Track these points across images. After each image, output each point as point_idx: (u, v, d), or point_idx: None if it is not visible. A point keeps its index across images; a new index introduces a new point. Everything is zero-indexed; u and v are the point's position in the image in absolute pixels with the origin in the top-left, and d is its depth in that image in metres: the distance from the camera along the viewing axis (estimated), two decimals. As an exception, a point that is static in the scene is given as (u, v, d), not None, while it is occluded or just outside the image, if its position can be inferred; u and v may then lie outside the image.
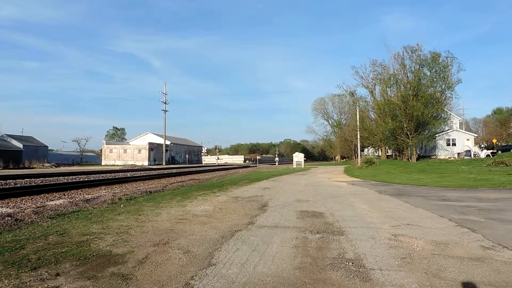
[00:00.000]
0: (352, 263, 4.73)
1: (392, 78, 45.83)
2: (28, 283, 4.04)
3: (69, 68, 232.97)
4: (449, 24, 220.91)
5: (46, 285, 3.99)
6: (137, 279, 4.20)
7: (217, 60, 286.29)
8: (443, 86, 42.60)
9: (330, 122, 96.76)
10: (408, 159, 44.94)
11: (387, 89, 47.34)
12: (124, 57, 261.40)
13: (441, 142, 48.68)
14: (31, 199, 11.70)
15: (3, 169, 45.19)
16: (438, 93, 42.97)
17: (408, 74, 44.48)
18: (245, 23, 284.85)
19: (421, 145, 50.55)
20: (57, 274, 4.36)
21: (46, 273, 4.37)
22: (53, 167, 55.91)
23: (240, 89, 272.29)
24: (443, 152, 47.75)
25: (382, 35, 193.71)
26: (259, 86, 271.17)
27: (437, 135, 48.27)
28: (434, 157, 48.17)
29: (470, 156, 42.78)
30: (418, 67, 43.63)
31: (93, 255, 5.17)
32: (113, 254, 5.24)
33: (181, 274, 4.37)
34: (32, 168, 51.86)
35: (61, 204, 10.01)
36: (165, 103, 71.63)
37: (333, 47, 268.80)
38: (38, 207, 9.37)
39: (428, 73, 43.12)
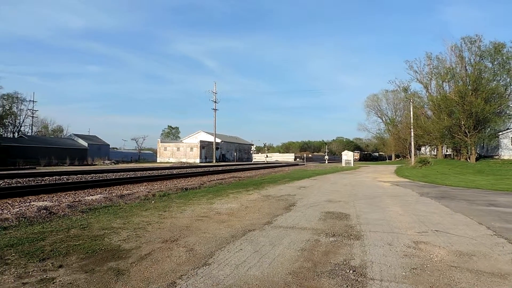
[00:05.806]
0: (354, 271, 4.41)
1: (449, 72, 42.71)
2: (30, 273, 4.28)
3: (129, 72, 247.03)
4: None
5: (45, 276, 4.20)
6: (129, 275, 4.26)
7: (268, 59, 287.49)
8: (508, 80, 38.85)
9: (384, 119, 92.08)
10: (466, 159, 41.63)
11: (444, 83, 44.22)
12: (179, 59, 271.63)
13: (505, 141, 44.37)
14: (74, 194, 12.54)
15: (69, 165, 49.23)
16: (502, 87, 39.19)
17: (466, 67, 41.11)
18: (295, 22, 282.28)
19: (482, 144, 46.55)
20: (60, 266, 4.57)
21: (50, 265, 4.61)
22: (113, 164, 59.75)
23: (292, 87, 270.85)
24: (508, 152, 43.51)
25: (438, 29, 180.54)
26: (311, 84, 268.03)
27: (500, 133, 44.09)
28: (497, 157, 44.10)
29: (541, 156, 38.61)
30: (478, 59, 40.05)
31: (102, 249, 5.36)
32: (120, 249, 5.39)
33: (172, 272, 4.37)
34: (94, 165, 55.82)
35: (96, 199, 10.59)
36: (215, 102, 73.56)
37: (385, 43, 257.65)
38: (75, 201, 9.99)
39: (490, 66, 39.49)
